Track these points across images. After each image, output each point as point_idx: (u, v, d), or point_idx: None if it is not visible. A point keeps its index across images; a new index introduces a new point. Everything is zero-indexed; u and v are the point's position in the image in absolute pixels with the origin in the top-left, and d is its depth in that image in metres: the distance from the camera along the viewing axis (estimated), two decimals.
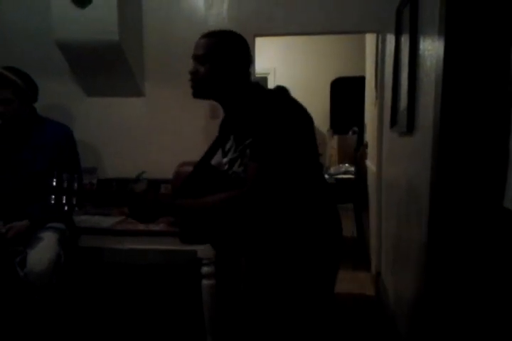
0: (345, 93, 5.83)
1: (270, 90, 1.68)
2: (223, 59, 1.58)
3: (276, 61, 6.21)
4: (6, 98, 2.30)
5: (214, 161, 1.77)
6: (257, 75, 3.38)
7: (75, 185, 1.64)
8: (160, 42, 3.27)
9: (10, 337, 2.36)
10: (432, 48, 1.82)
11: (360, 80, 4.80)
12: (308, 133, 1.58)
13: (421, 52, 2.05)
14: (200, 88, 1.65)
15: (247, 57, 1.64)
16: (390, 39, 2.95)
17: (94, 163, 3.34)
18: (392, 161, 2.91)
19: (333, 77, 6.03)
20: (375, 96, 3.59)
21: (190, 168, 1.74)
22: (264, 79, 6.16)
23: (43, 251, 2.21)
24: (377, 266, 3.42)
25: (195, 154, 3.29)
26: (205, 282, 2.47)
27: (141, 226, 2.55)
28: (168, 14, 3.24)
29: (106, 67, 3.12)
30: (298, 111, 1.56)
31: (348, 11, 3.11)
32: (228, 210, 1.49)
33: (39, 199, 2.37)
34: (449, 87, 1.57)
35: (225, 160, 1.71)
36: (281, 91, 1.66)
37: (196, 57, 1.64)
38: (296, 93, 1.69)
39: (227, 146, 1.72)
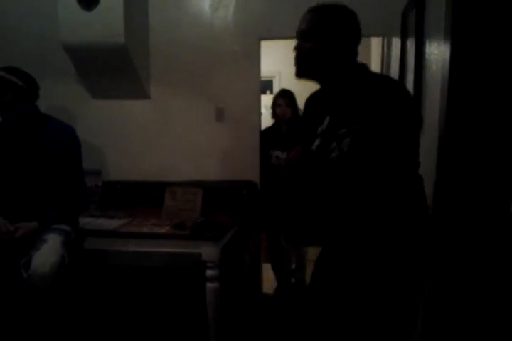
0: None
1: (380, 75, 1.58)
2: (329, 35, 1.46)
3: (282, 64, 6.19)
4: (8, 101, 2.30)
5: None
6: (262, 79, 3.39)
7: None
8: (166, 45, 3.28)
9: (14, 338, 2.37)
10: (438, 52, 1.82)
11: None
12: (418, 131, 1.46)
13: (427, 55, 2.05)
14: (304, 66, 1.53)
15: (355, 34, 1.50)
16: (396, 42, 2.94)
17: (99, 166, 3.34)
18: None
19: None
20: None
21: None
22: (270, 83, 6.17)
23: (48, 253, 2.21)
24: None
25: (201, 157, 3.33)
26: (209, 285, 2.46)
27: (146, 229, 2.56)
28: (174, 17, 3.25)
29: (112, 69, 3.13)
30: (412, 105, 1.46)
31: None
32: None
33: (45, 199, 2.38)
34: (454, 90, 1.57)
35: (316, 142, 1.55)
36: (389, 78, 1.53)
37: (300, 33, 1.52)
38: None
39: (320, 128, 1.57)
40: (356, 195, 1.40)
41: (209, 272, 2.45)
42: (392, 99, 1.36)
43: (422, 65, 2.12)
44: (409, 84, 2.31)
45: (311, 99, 1.68)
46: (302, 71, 1.54)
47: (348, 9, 1.51)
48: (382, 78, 1.52)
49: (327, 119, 1.53)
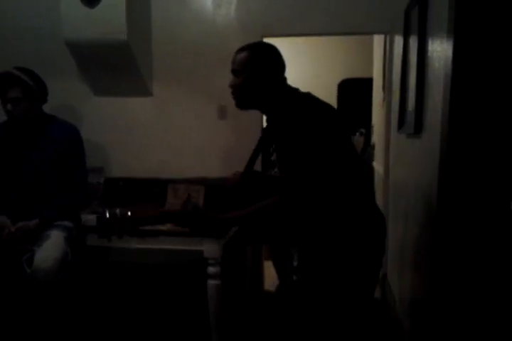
0: (353, 94, 5.81)
1: (298, 94, 1.75)
2: (256, 69, 1.70)
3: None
4: (15, 97, 2.31)
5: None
6: None
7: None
8: (168, 42, 3.28)
9: (16, 333, 2.38)
10: (440, 49, 1.82)
11: (368, 81, 4.78)
12: (335, 132, 1.65)
13: (429, 53, 2.05)
14: (240, 98, 1.78)
15: (279, 65, 1.75)
16: (398, 40, 2.94)
17: (101, 163, 3.35)
18: (400, 163, 2.90)
19: (340, 79, 6.01)
20: (382, 97, 3.58)
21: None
22: None
23: (50, 249, 2.22)
24: (383, 267, 3.41)
25: (203, 154, 3.34)
26: (210, 282, 2.47)
27: (148, 226, 2.56)
28: (176, 14, 3.25)
29: (114, 66, 3.13)
30: (320, 114, 1.64)
31: (356, 12, 3.11)
32: (269, 215, 1.65)
33: (47, 197, 2.39)
34: (457, 88, 1.56)
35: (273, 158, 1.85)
36: (305, 95, 1.74)
37: (233, 71, 1.77)
38: None
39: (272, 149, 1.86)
40: (294, 196, 1.60)
41: (211, 269, 2.46)
42: (292, 114, 1.61)
43: (424, 63, 2.12)
44: (412, 82, 2.30)
45: (266, 126, 1.94)
46: (240, 103, 1.79)
47: (269, 45, 1.78)
48: (303, 101, 1.69)
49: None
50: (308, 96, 1.72)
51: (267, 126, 1.89)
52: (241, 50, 1.75)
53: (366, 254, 1.66)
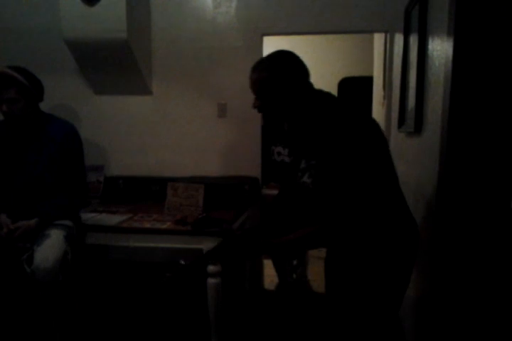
0: (353, 93, 5.81)
1: (335, 103, 1.62)
2: (273, 88, 1.58)
3: None
4: (11, 97, 2.29)
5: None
6: None
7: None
8: (168, 40, 3.28)
9: (16, 333, 2.38)
10: (440, 48, 1.82)
11: (368, 80, 4.78)
12: (379, 144, 1.54)
13: (429, 52, 2.04)
14: (267, 117, 1.69)
15: (298, 72, 1.61)
16: (399, 39, 2.93)
17: (101, 161, 3.35)
18: (400, 161, 2.90)
19: (340, 77, 6.00)
20: (382, 96, 3.58)
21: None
22: None
23: (50, 248, 2.22)
24: None
25: (203, 152, 3.33)
26: (210, 280, 2.47)
27: (148, 224, 2.56)
28: (176, 12, 3.25)
29: (114, 65, 3.13)
30: (364, 127, 1.51)
31: (357, 11, 3.10)
32: (312, 244, 1.64)
33: (46, 196, 2.38)
34: (457, 86, 1.56)
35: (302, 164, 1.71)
36: (341, 102, 1.62)
37: (253, 92, 1.65)
38: None
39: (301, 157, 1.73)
40: (334, 217, 1.49)
41: (210, 267, 2.46)
42: (341, 130, 1.46)
43: (424, 62, 2.12)
44: (412, 81, 2.30)
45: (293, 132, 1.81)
46: (268, 122, 1.73)
47: (280, 55, 1.62)
48: (336, 107, 1.57)
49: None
50: (347, 105, 1.59)
51: (294, 132, 1.74)
52: (252, 70, 1.63)
53: (399, 269, 1.59)
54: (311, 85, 1.63)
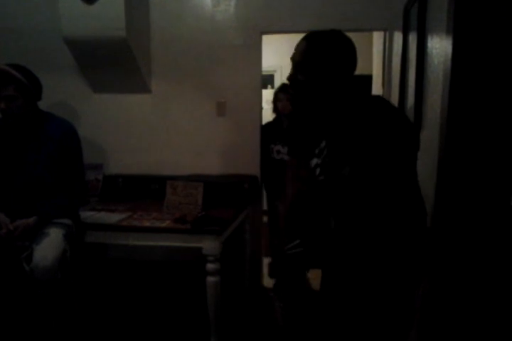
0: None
1: (378, 101, 1.50)
2: (323, 69, 1.45)
3: (283, 59, 6.17)
4: (9, 95, 2.29)
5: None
6: (263, 73, 3.39)
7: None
8: (167, 38, 3.27)
9: (15, 331, 2.38)
10: (439, 46, 1.82)
11: (367, 78, 4.78)
12: (412, 152, 1.44)
13: (429, 50, 2.04)
14: (300, 98, 1.54)
15: (350, 62, 1.49)
16: (398, 37, 2.93)
17: (100, 160, 3.35)
18: None
19: None
20: (381, 94, 3.58)
21: None
22: (271, 77, 6.16)
23: (49, 246, 2.22)
24: None
25: (202, 151, 3.33)
26: (209, 279, 2.47)
27: (147, 223, 2.56)
28: (175, 11, 3.24)
29: (113, 63, 3.12)
30: (404, 131, 1.40)
31: (356, 9, 3.10)
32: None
33: (45, 195, 2.38)
34: (456, 85, 1.56)
35: (314, 161, 1.60)
36: (385, 104, 1.49)
37: (294, 62, 1.50)
38: None
39: (317, 149, 1.59)
40: (361, 213, 1.40)
41: (210, 266, 2.46)
42: (385, 130, 1.36)
43: (423, 60, 2.12)
44: (411, 79, 2.30)
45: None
46: (298, 103, 1.56)
47: (343, 36, 1.49)
48: (378, 107, 1.46)
49: (323, 143, 1.53)
50: (392, 109, 1.48)
51: (320, 122, 1.61)
52: (309, 39, 1.49)
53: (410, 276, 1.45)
54: (352, 79, 1.51)
